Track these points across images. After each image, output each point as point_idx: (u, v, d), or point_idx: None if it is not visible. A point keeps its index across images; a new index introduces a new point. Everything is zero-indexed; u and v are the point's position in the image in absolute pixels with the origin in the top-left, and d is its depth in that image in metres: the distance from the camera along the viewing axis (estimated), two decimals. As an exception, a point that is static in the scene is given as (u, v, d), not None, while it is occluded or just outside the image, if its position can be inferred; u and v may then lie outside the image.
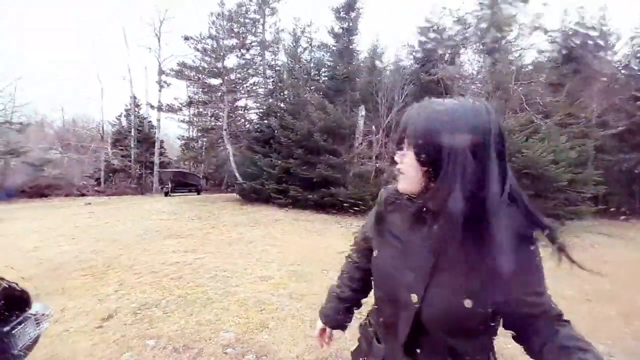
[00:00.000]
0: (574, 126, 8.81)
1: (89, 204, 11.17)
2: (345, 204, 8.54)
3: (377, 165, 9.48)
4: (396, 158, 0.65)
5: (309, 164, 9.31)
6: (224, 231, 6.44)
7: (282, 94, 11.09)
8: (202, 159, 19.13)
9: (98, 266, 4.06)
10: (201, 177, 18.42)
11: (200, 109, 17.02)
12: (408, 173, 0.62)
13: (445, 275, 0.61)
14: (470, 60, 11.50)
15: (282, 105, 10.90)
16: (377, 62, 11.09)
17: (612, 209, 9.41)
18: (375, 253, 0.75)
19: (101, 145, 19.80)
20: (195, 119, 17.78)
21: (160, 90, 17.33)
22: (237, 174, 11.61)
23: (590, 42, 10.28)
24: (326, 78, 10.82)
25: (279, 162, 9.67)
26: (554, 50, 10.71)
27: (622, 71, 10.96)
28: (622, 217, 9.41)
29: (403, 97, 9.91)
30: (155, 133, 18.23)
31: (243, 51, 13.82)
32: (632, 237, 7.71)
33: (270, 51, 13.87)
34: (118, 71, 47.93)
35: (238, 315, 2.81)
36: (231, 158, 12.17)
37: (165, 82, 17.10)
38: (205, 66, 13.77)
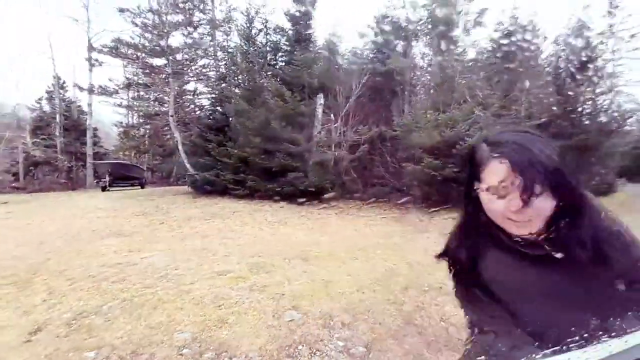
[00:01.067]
0: (506, 117, 9.87)
1: (6, 202, 9.52)
2: (306, 193, 8.50)
3: (337, 153, 9.58)
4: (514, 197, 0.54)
5: (268, 153, 9.03)
6: (175, 226, 5.97)
7: (236, 78, 10.44)
8: (146, 149, 17.32)
9: (20, 274, 3.51)
10: (145, 169, 16.77)
11: (142, 92, 15.20)
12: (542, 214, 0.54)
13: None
14: (421, 53, 12.12)
15: (236, 90, 10.29)
16: (335, 50, 11.04)
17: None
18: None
19: (18, 134, 16.81)
20: (135, 103, 15.82)
21: (91, 70, 15.12)
22: (187, 165, 10.78)
23: (521, 41, 11.49)
24: (283, 64, 10.45)
25: (235, 151, 9.19)
26: (494, 48, 11.76)
27: (547, 69, 12.52)
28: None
29: (360, 86, 10.06)
30: (86, 119, 15.98)
31: (190, 29, 12.57)
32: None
33: (221, 31, 12.86)
34: (37, 46, 40.70)
35: (194, 313, 2.63)
36: (180, 147, 11.22)
37: (96, 60, 14.93)
38: (146, 44, 12.27)
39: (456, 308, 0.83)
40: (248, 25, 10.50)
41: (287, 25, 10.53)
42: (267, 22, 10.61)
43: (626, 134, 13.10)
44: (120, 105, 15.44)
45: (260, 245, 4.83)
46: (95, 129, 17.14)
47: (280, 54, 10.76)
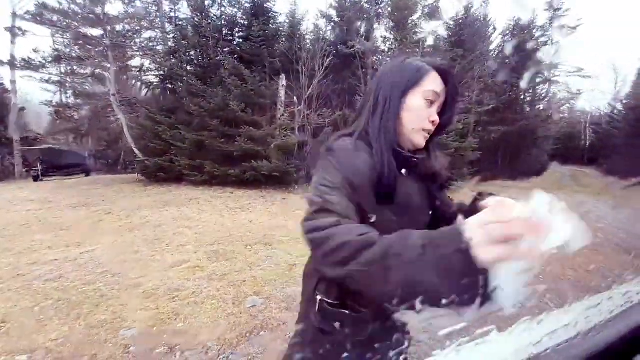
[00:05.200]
0: (460, 102, 10.46)
1: None
2: (269, 178, 8.25)
3: (300, 137, 9.38)
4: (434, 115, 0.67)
5: (227, 137, 8.53)
6: (122, 217, 5.43)
7: (187, 54, 9.53)
8: (87, 133, 15.36)
9: None
10: (87, 155, 14.99)
11: (75, 67, 13.21)
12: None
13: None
14: (382, 37, 12.18)
15: (188, 67, 9.43)
16: (297, 29, 10.60)
17: (484, 172, 11.86)
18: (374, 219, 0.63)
19: None
20: (68, 79, 13.71)
21: (13, 42, 12.76)
22: (136, 150, 9.79)
23: (474, 30, 12.12)
24: (241, 40, 9.77)
25: (191, 134, 8.54)
26: (450, 35, 12.24)
27: (495, 59, 13.44)
28: (488, 179, 12.00)
29: (323, 68, 9.84)
30: (10, 98, 13.62)
31: (132, -5, 11.11)
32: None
33: (168, 0, 11.58)
34: None
35: (144, 308, 2.42)
36: (126, 130, 10.11)
37: (19, 29, 12.61)
38: (78, 10, 10.56)
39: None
40: (200, -6, 9.57)
41: (244, -3, 9.80)
42: (221, -8, 9.76)
43: (559, 121, 14.75)
44: (48, 82, 13.25)
45: (220, 232, 4.59)
46: (22, 109, 14.75)
47: (237, 29, 10.02)
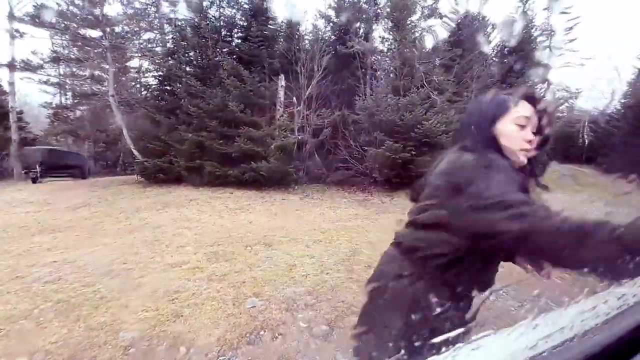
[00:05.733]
0: (459, 102, 10.46)
1: None
2: (269, 179, 8.24)
3: (300, 137, 9.37)
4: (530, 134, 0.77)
5: (226, 137, 8.52)
6: (122, 219, 5.42)
7: (186, 55, 9.52)
8: (85, 134, 15.31)
9: None
10: (86, 156, 14.94)
11: (74, 69, 13.16)
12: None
13: None
14: (381, 37, 12.18)
15: (187, 68, 9.42)
16: (295, 29, 10.59)
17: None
18: None
19: None
20: (67, 80, 13.65)
21: (12, 43, 12.73)
22: (135, 151, 9.77)
23: (473, 30, 12.13)
24: (240, 41, 9.76)
25: (190, 135, 8.53)
26: (449, 36, 12.24)
27: (494, 58, 13.46)
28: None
29: (322, 68, 9.83)
30: (8, 100, 13.59)
31: (130, -3, 11.08)
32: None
33: (167, 1, 11.57)
34: None
35: (144, 310, 2.41)
36: (125, 132, 10.09)
37: (17, 31, 12.58)
38: (77, 12, 10.53)
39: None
40: (198, -5, 9.55)
41: (243, -3, 9.80)
42: (219, -7, 9.75)
43: (558, 120, 14.73)
44: (47, 83, 13.20)
45: (219, 233, 4.59)
46: (20, 112, 14.72)
47: (235, 30, 10.02)
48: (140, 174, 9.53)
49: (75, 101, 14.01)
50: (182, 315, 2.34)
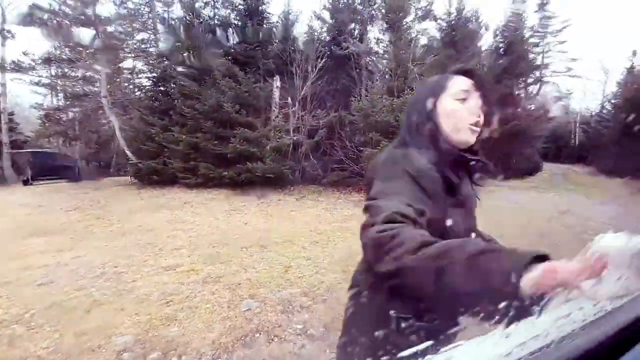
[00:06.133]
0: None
1: None
2: (264, 180, 8.21)
3: (295, 138, 9.35)
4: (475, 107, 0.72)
5: (221, 138, 8.47)
6: (114, 221, 5.37)
7: (180, 55, 9.46)
8: (77, 135, 15.09)
9: None
10: (78, 158, 14.76)
11: (66, 70, 12.98)
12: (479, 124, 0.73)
13: None
14: (376, 39, 12.23)
15: (181, 69, 9.35)
16: (290, 30, 10.58)
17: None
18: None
19: None
20: (59, 82, 13.45)
21: (3, 44, 12.52)
22: (128, 153, 9.67)
23: (466, 31, 12.25)
24: (234, 41, 9.73)
25: (184, 136, 8.46)
26: (442, 37, 12.34)
27: (488, 58, 13.60)
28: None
29: (317, 69, 9.83)
30: (0, 102, 13.34)
31: (123, -4, 10.96)
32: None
33: (161, 1, 11.46)
34: None
35: (137, 313, 2.39)
36: (118, 133, 9.97)
37: (9, 31, 12.39)
38: (69, 11, 10.39)
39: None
40: (192, -5, 9.50)
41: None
42: (214, -7, 9.70)
43: (550, 120, 14.93)
44: (38, 84, 12.98)
45: (215, 235, 4.57)
46: (11, 113, 14.46)
47: (230, 30, 9.99)
48: (134, 176, 9.44)
49: (67, 102, 13.82)
50: (176, 319, 2.33)
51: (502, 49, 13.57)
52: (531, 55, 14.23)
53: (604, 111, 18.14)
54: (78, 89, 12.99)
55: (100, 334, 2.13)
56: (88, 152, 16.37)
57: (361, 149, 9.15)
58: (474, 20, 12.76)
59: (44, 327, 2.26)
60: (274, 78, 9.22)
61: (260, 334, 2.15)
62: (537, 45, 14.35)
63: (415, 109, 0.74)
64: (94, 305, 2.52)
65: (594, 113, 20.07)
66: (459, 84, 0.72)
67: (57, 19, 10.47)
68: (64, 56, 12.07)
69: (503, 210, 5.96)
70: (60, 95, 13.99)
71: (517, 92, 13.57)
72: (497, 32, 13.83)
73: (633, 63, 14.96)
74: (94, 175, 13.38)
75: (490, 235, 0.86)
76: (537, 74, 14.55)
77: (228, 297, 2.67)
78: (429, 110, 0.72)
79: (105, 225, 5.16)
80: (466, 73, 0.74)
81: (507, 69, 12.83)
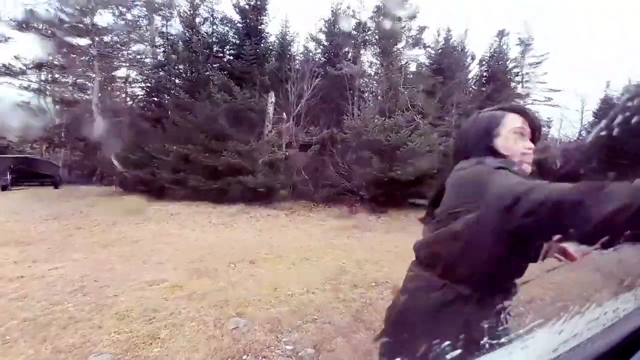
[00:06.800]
0: (442, 126, 10.95)
1: None
2: (255, 194, 8.14)
3: (288, 154, 9.41)
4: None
5: (212, 151, 8.43)
6: (96, 232, 5.16)
7: (176, 67, 9.53)
8: (62, 142, 14.69)
9: None
10: (60, 165, 14.33)
11: (57, 75, 12.77)
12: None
13: None
14: (369, 62, 12.73)
15: (176, 81, 9.40)
16: (287, 50, 10.90)
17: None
18: None
19: None
20: (47, 87, 13.17)
21: None
22: (115, 161, 9.47)
23: (453, 60, 12.93)
24: (232, 57, 9.91)
25: (174, 147, 8.37)
26: (431, 64, 12.97)
27: (473, 86, 14.31)
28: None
29: (312, 88, 10.08)
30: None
31: (123, 9, 11.08)
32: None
33: (160, 15, 11.63)
34: None
35: (117, 331, 2.26)
36: (105, 141, 9.77)
37: (3, 35, 12.21)
38: (66, 19, 10.38)
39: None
40: (192, 12, 9.72)
41: (236, 17, 10.07)
42: (213, 11, 9.97)
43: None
44: (27, 89, 12.67)
45: (202, 249, 4.44)
46: (-9, 115, 14.00)
47: (228, 46, 10.20)
48: (120, 185, 9.19)
49: (56, 108, 13.52)
50: (159, 337, 2.21)
51: (484, 78, 14.34)
52: (512, 84, 15.07)
53: (584, 144, 19.08)
54: (67, 95, 12.76)
55: (76, 353, 2.00)
56: (72, 159, 15.88)
57: (353, 166, 9.28)
58: (460, 50, 13.51)
59: (18, 342, 2.12)
60: (269, 94, 9.38)
61: (247, 355, 2.07)
62: (517, 74, 15.26)
63: (477, 139, 0.83)
64: (70, 322, 2.37)
65: (571, 141, 21.10)
66: (515, 121, 0.81)
67: (52, 29, 10.44)
68: (55, 62, 11.93)
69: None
70: (48, 99, 13.67)
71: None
72: (483, 62, 14.65)
73: (607, 94, 15.96)
74: (76, 183, 12.94)
75: None
76: (520, 102, 15.35)
77: (214, 315, 2.57)
78: (490, 142, 0.80)
79: (85, 236, 4.94)
80: (518, 111, 0.83)
81: (490, 96, 13.50)
